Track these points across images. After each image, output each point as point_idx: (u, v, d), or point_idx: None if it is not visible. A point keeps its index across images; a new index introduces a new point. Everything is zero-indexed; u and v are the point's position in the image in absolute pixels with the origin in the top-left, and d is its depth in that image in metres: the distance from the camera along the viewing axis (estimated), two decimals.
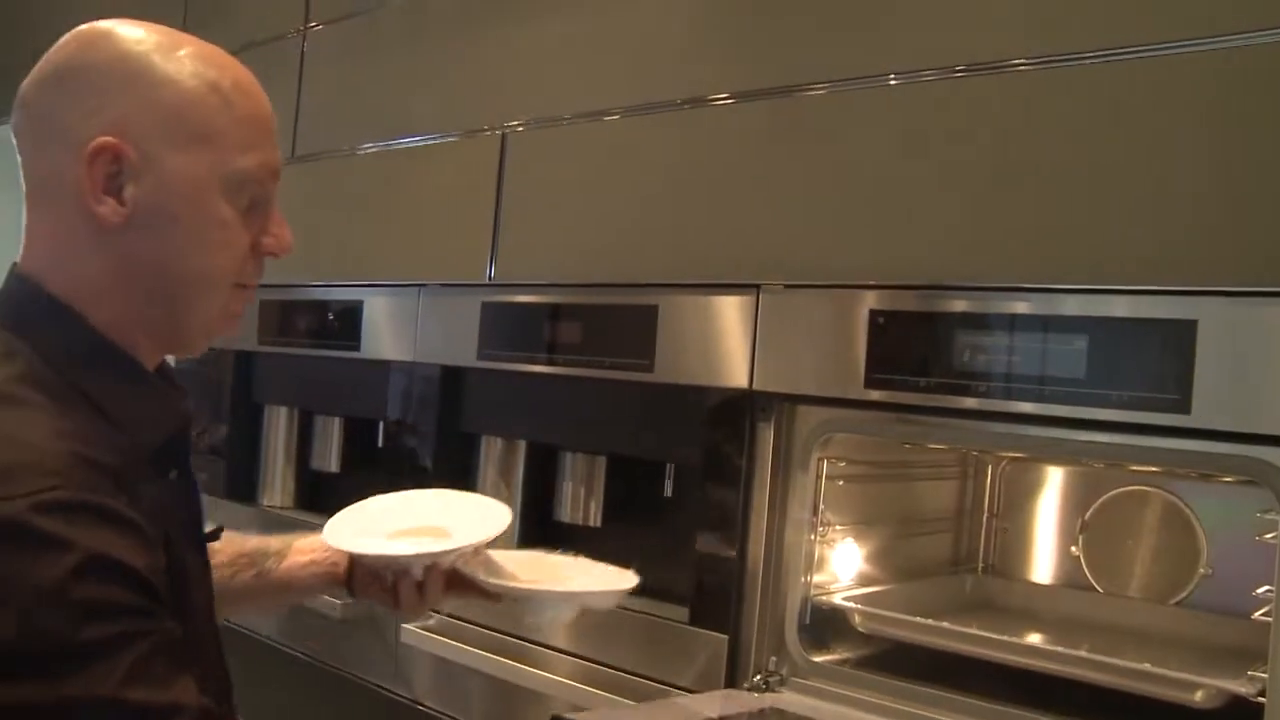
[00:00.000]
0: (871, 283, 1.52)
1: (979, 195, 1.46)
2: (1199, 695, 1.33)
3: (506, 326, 2.03)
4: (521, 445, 2.10)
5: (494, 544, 1.34)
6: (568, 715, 1.34)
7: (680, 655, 1.70)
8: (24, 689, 0.83)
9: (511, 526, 1.34)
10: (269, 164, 1.06)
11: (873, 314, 1.51)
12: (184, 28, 1.06)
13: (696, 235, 1.76)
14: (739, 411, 1.64)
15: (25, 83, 1.03)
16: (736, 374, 1.65)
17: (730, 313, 1.67)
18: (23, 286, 1.03)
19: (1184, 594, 1.71)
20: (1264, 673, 1.25)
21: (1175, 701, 1.35)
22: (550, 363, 1.94)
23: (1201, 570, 1.71)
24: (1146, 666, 1.41)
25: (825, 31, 1.64)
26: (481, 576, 1.32)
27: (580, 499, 1.99)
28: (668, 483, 1.87)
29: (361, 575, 1.38)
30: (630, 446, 1.89)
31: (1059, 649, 1.44)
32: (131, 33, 1.02)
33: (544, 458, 2.07)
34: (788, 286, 1.61)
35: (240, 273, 1.08)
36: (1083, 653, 1.44)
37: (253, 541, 1.41)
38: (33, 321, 1.01)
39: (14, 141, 1.04)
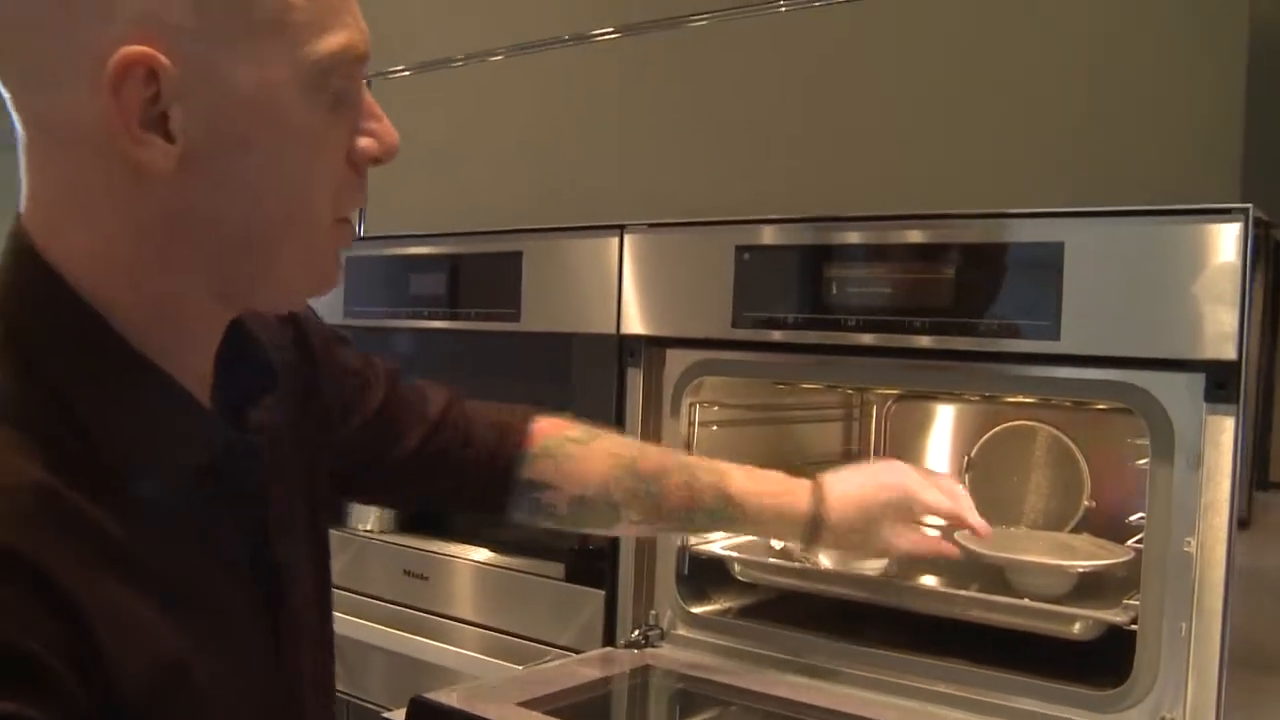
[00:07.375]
0: (736, 218, 1.46)
1: (843, 125, 1.40)
2: (1077, 627, 1.31)
3: (372, 282, 1.94)
4: None
5: None
6: (429, 696, 1.25)
7: (558, 614, 1.64)
8: None
9: None
10: (355, 44, 0.74)
11: (739, 250, 1.44)
12: None
13: (560, 178, 1.69)
14: (607, 358, 1.58)
15: None
16: (604, 319, 1.58)
17: (595, 256, 1.60)
18: (17, 245, 0.74)
19: (1070, 526, 1.69)
20: (1138, 600, 1.23)
21: (1058, 635, 1.32)
22: (417, 316, 1.86)
23: (1086, 502, 1.69)
24: (1025, 602, 1.38)
25: None
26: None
27: None
28: None
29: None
30: (501, 400, 1.81)
31: (939, 589, 1.40)
32: None
33: None
34: (652, 226, 1.55)
35: (340, 200, 0.78)
36: (961, 591, 1.40)
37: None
38: (15, 293, 0.74)
39: None
